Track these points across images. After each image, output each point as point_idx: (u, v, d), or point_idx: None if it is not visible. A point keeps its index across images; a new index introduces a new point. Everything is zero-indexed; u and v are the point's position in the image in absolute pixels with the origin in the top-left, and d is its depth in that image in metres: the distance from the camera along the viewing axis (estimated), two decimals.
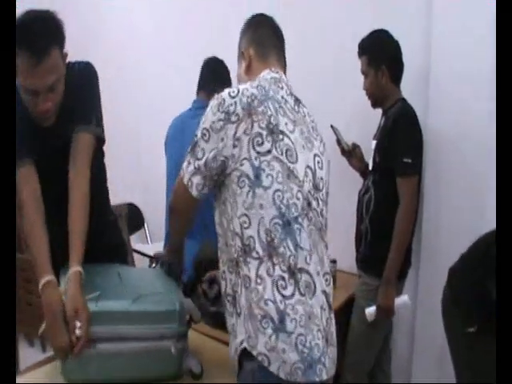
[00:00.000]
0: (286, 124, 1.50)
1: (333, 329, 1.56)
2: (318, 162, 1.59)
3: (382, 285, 2.43)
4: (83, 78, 1.87)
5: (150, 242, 4.39)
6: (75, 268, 1.59)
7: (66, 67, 1.77)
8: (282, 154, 1.46)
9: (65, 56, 1.74)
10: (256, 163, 1.44)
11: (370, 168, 2.62)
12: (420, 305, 2.85)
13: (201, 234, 2.54)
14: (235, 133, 1.44)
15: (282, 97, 1.56)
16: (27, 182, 1.73)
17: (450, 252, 2.30)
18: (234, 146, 1.44)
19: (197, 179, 1.50)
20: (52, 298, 1.55)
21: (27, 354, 3.23)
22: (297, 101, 1.62)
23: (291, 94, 1.61)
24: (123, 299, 1.62)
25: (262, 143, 1.44)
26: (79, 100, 1.84)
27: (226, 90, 1.50)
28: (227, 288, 1.54)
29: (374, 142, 2.61)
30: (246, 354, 1.45)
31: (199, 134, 1.50)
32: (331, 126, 2.81)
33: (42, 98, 1.69)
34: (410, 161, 2.36)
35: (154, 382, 1.68)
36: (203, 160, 1.48)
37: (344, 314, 2.67)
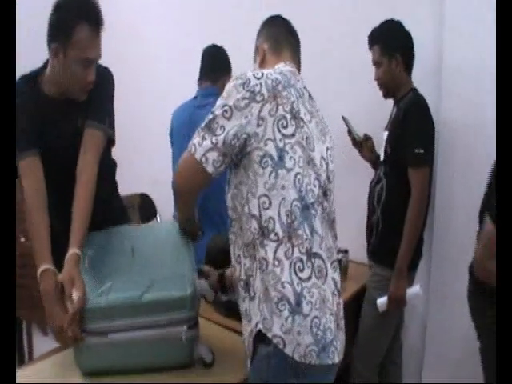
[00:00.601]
0: (305, 113, 1.54)
1: (342, 314, 1.59)
2: (330, 156, 1.64)
3: (394, 275, 2.43)
4: (103, 80, 1.97)
5: None
6: (73, 250, 1.67)
7: None
8: (302, 141, 1.50)
9: None
10: (280, 144, 1.46)
11: (382, 159, 2.61)
12: (432, 295, 2.85)
13: (217, 224, 2.57)
14: (260, 112, 1.45)
15: (300, 88, 1.59)
16: (31, 172, 1.79)
17: (462, 243, 2.31)
18: (259, 125, 1.45)
19: (213, 155, 1.46)
20: (49, 286, 1.63)
21: (41, 342, 3.26)
22: (310, 96, 1.65)
23: (305, 88, 1.64)
24: (134, 290, 1.63)
25: (287, 126, 1.47)
26: (97, 98, 1.95)
27: (250, 72, 1.51)
28: (241, 273, 1.56)
29: (385, 133, 2.60)
30: (260, 339, 1.48)
31: (219, 111, 1.48)
32: (342, 117, 2.81)
33: (91, 69, 1.84)
34: (422, 151, 2.34)
35: (165, 369, 1.70)
36: (222, 136, 1.45)
37: (355, 304, 2.68)
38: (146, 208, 4.21)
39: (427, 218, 2.57)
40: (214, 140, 1.46)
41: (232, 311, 2.07)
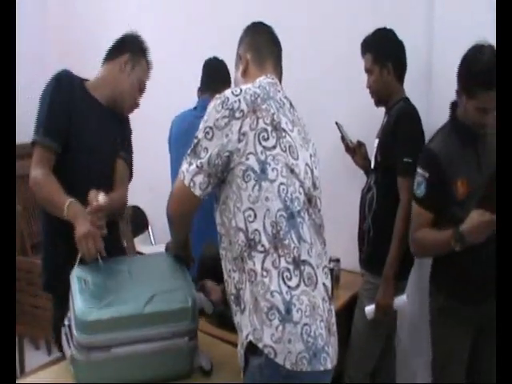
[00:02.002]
0: (286, 123, 1.61)
1: (333, 320, 1.63)
2: (314, 162, 1.71)
3: (381, 283, 2.49)
4: (129, 122, 2.39)
5: (154, 243, 4.41)
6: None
7: None
8: (285, 151, 1.56)
9: None
10: (262, 157, 1.52)
11: (372, 166, 2.65)
12: (424, 304, 2.85)
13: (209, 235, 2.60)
14: (240, 128, 1.52)
15: (280, 99, 1.66)
16: (45, 165, 1.98)
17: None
18: (240, 141, 1.52)
19: (199, 178, 1.54)
20: (77, 208, 1.84)
21: (33, 357, 3.26)
22: (291, 104, 1.72)
23: (286, 98, 1.71)
24: (135, 302, 1.68)
25: (268, 138, 1.53)
26: (130, 142, 2.36)
27: (228, 90, 1.59)
28: (231, 287, 1.62)
29: (376, 141, 2.64)
30: (252, 350, 1.51)
31: (201, 134, 1.56)
32: (336, 123, 2.88)
33: (141, 95, 2.25)
34: (410, 160, 2.38)
35: (167, 380, 1.74)
36: (206, 158, 1.53)
37: (347, 312, 2.72)
38: (137, 220, 4.22)
39: None
40: (198, 163, 1.54)
41: (224, 322, 2.09)
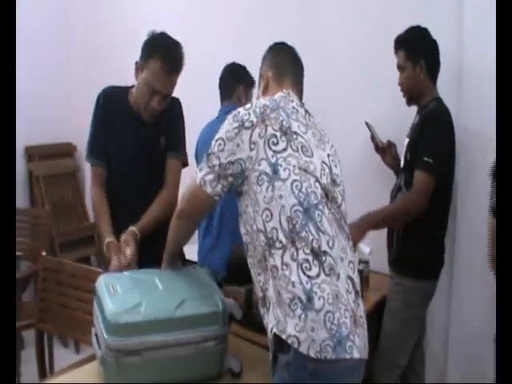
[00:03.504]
0: (298, 126, 1.69)
1: (360, 313, 1.65)
2: (333, 161, 1.77)
3: (355, 226, 2.44)
4: (178, 112, 2.46)
5: None
6: (132, 228, 2.19)
7: None
8: (297, 151, 1.63)
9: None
10: (273, 160, 1.60)
11: (402, 166, 2.63)
12: (454, 304, 2.85)
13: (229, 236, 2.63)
14: (251, 137, 1.63)
15: (293, 107, 1.74)
16: (97, 182, 2.35)
17: (485, 252, 2.31)
18: (251, 149, 1.62)
19: (210, 177, 1.67)
20: (112, 248, 2.13)
21: (62, 355, 3.31)
22: (307, 112, 1.79)
23: (301, 106, 1.79)
24: (166, 306, 1.72)
25: (277, 143, 1.62)
26: (175, 130, 2.44)
27: (242, 107, 1.70)
28: (258, 291, 1.68)
29: (406, 140, 2.64)
30: (279, 348, 1.55)
31: (214, 145, 1.68)
32: (366, 123, 2.89)
33: (159, 100, 2.26)
34: (431, 161, 2.39)
35: (196, 382, 1.77)
36: (217, 162, 1.66)
37: (376, 314, 2.72)
38: None
39: (447, 225, 2.63)
40: (209, 165, 1.68)
41: (251, 323, 2.09)
